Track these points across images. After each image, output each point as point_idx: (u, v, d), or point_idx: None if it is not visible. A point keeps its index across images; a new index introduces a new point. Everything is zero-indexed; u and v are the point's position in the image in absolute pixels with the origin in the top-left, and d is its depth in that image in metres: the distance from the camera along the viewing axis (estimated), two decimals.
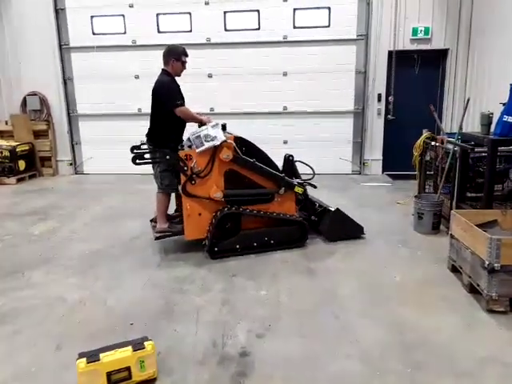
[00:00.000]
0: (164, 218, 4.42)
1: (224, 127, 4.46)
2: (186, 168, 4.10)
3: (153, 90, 4.29)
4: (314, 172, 4.73)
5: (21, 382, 2.56)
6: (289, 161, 4.72)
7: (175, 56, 4.33)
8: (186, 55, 4.40)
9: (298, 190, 4.54)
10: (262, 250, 4.39)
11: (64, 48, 8.36)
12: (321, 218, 4.80)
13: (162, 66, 4.40)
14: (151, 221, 4.79)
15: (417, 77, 7.95)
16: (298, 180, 4.68)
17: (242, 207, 4.34)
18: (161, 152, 4.18)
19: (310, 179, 4.73)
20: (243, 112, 8.15)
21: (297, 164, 4.83)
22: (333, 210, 4.70)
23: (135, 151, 4.19)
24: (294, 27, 7.90)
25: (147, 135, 4.39)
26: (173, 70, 4.37)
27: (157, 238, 4.40)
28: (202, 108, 7.79)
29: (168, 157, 4.11)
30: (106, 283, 3.82)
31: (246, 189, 4.40)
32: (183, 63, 4.38)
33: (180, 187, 4.24)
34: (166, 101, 4.21)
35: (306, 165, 4.81)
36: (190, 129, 4.42)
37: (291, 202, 4.59)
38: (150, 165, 4.34)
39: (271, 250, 4.41)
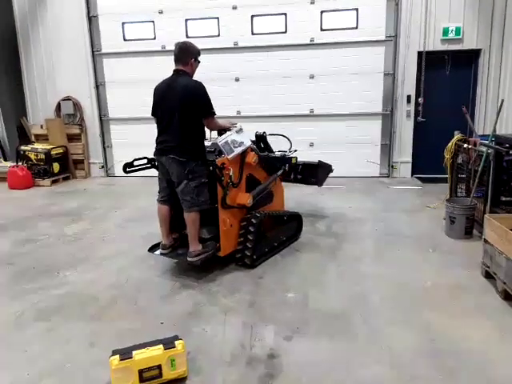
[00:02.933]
0: (197, 240, 3.87)
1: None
2: (223, 178, 3.83)
3: (186, 94, 3.69)
4: (291, 143, 5.01)
5: (55, 378, 2.64)
6: (262, 137, 4.71)
7: (195, 55, 3.87)
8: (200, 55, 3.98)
9: (294, 160, 4.94)
10: (281, 249, 4.53)
11: (96, 54, 8.63)
12: (303, 173, 5.38)
13: (176, 67, 3.85)
14: (153, 249, 4.17)
15: (448, 78, 7.77)
16: (288, 152, 4.91)
17: (262, 210, 4.34)
18: (195, 164, 3.71)
19: (290, 149, 4.98)
20: (270, 115, 8.18)
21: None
22: (316, 163, 5.34)
23: (128, 169, 4.02)
24: (322, 29, 7.87)
25: (175, 147, 3.70)
26: (192, 70, 3.88)
27: (201, 263, 3.83)
28: (228, 111, 7.93)
29: (211, 168, 3.71)
30: (137, 283, 3.90)
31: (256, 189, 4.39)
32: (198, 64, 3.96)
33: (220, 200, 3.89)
34: (205, 107, 3.76)
35: (284, 136, 5.04)
36: None
37: (281, 198, 4.98)
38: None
39: (284, 247, 4.59)
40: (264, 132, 4.69)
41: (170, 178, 3.88)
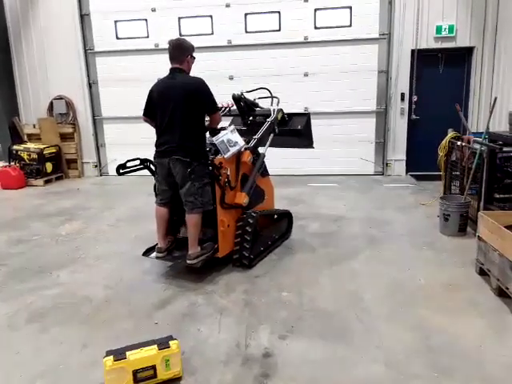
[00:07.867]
0: (197, 241, 3.79)
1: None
2: (220, 178, 3.78)
3: (189, 92, 3.61)
4: (270, 92, 4.76)
5: (49, 379, 2.61)
6: (242, 99, 4.51)
7: (190, 51, 3.78)
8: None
9: (279, 115, 4.63)
10: (274, 248, 4.53)
11: (89, 52, 8.57)
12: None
13: (172, 65, 3.76)
14: (147, 253, 4.06)
15: (441, 76, 7.79)
16: (271, 106, 4.68)
17: (255, 209, 4.31)
18: (199, 164, 3.64)
19: (272, 102, 4.76)
20: None
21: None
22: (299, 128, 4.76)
23: (121, 171, 3.93)
24: (315, 28, 7.87)
25: (179, 148, 3.61)
26: (188, 68, 3.79)
27: (201, 265, 3.79)
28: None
29: (210, 167, 3.70)
30: (131, 283, 3.87)
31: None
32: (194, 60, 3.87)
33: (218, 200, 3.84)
34: (211, 103, 3.74)
35: (263, 88, 4.75)
36: None
37: (271, 197, 4.81)
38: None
39: (277, 245, 4.59)
40: (242, 93, 4.51)
41: (171, 180, 3.78)
